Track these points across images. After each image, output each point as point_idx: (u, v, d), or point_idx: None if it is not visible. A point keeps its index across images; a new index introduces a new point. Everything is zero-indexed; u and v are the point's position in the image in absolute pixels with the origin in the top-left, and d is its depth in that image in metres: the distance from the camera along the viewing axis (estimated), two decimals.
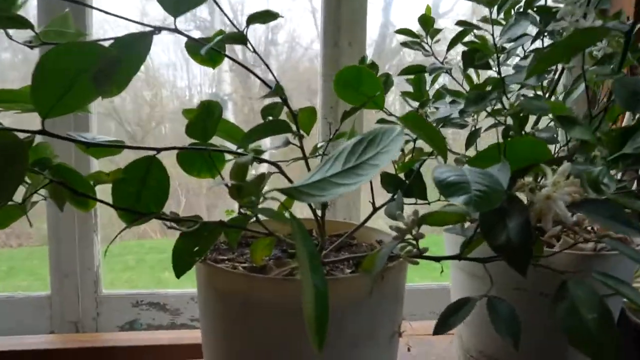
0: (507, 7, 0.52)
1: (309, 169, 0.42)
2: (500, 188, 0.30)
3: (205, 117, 0.35)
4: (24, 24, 0.38)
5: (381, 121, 0.63)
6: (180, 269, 0.42)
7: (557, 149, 0.53)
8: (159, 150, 0.37)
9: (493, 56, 0.52)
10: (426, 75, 0.66)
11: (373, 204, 0.49)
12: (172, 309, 0.86)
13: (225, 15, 0.36)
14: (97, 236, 0.84)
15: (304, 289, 0.25)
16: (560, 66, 0.53)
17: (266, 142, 0.49)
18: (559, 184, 0.30)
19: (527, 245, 0.30)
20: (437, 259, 0.40)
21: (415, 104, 0.65)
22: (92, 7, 0.40)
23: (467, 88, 0.63)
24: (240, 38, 0.35)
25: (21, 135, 0.38)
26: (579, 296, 0.29)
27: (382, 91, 0.45)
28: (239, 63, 0.41)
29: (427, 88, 0.68)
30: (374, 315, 0.41)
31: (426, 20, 0.64)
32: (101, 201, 0.39)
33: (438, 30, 0.63)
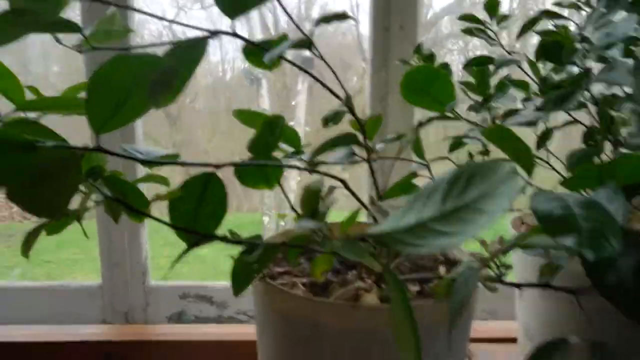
0: None
1: (376, 184, 0.39)
2: (616, 226, 0.26)
3: (268, 134, 0.32)
4: (72, 28, 0.36)
5: (432, 119, 0.59)
6: (239, 286, 0.40)
7: None
8: (218, 166, 0.35)
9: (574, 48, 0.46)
10: None
11: None
12: (219, 302, 0.86)
13: (291, 19, 0.32)
14: (145, 228, 0.84)
15: (401, 344, 0.22)
16: None
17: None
18: None
19: None
20: (519, 286, 0.36)
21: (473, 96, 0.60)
22: (134, 10, 0.38)
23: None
24: (307, 44, 0.31)
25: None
26: None
27: (453, 96, 0.41)
28: (303, 70, 0.37)
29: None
30: (445, 342, 0.38)
31: (492, 5, 0.58)
32: (158, 219, 0.37)
33: (506, 17, 0.57)
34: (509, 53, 0.57)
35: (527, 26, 0.54)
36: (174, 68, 0.32)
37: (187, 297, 0.85)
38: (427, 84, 0.39)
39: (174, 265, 0.33)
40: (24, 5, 0.31)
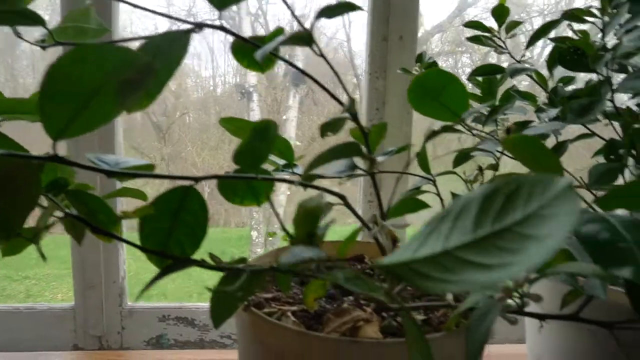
0: None
1: (379, 201, 0.34)
2: None
3: (259, 142, 0.27)
4: (34, 19, 0.31)
5: (446, 129, 0.55)
6: (219, 317, 0.34)
7: None
8: (198, 179, 0.30)
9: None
10: None
11: None
12: (201, 324, 0.80)
13: (291, 10, 0.28)
14: (123, 246, 0.78)
15: None
16: None
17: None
18: None
19: None
20: (543, 317, 0.32)
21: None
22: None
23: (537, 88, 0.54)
24: (306, 39, 0.27)
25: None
26: None
27: (466, 104, 0.36)
28: (299, 69, 0.33)
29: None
30: None
31: (500, 12, 0.54)
32: (125, 241, 0.31)
33: (517, 23, 0.53)
34: (518, 62, 0.54)
35: (541, 33, 0.51)
36: (151, 65, 0.27)
37: (166, 319, 0.79)
38: (437, 90, 0.35)
39: (143, 292, 0.28)
40: None
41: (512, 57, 0.54)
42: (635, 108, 0.42)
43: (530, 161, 0.29)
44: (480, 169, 0.43)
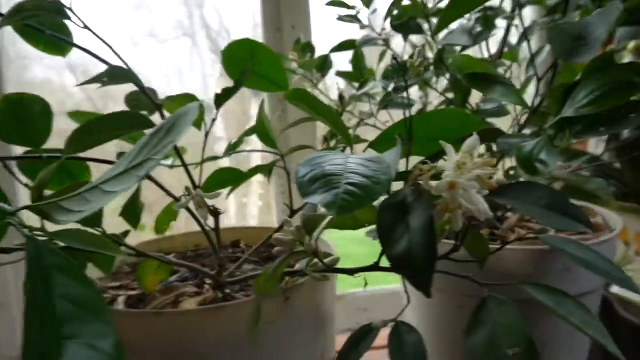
0: None
1: (186, 168, 0.34)
2: (386, 177, 0.22)
3: (17, 118, 0.27)
4: None
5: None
6: None
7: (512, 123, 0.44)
8: None
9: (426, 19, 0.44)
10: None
11: (290, 207, 0.41)
12: None
13: None
14: None
15: None
16: (506, 23, 0.44)
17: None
18: (464, 166, 0.21)
19: (429, 254, 0.22)
20: (350, 272, 0.32)
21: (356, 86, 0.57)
22: None
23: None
24: (59, 11, 0.27)
25: None
26: (500, 323, 0.21)
27: (282, 70, 0.37)
28: (85, 50, 0.33)
29: (377, 67, 0.61)
30: (280, 347, 0.33)
31: None
32: None
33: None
34: (379, 35, 0.55)
35: (394, 5, 0.52)
36: None
37: None
38: (248, 60, 0.35)
39: None
40: None
41: (373, 30, 0.55)
42: None
43: (309, 110, 0.30)
44: (326, 139, 0.43)
